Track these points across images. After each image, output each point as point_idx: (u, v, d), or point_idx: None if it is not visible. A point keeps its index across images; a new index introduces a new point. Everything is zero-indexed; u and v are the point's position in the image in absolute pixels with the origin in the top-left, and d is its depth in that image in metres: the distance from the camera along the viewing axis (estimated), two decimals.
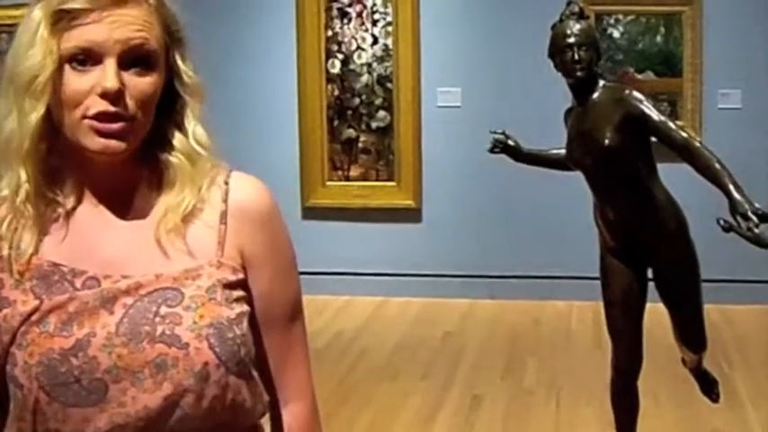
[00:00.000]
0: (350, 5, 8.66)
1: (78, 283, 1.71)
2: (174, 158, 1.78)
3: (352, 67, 8.74)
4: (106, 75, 1.66)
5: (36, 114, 1.68)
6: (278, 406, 1.87)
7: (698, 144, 4.32)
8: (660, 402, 5.92)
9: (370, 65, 8.70)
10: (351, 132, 8.80)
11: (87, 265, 1.73)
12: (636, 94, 4.47)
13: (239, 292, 1.77)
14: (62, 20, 1.67)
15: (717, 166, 4.16)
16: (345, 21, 8.68)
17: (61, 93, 1.68)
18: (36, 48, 1.67)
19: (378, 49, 8.69)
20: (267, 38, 8.73)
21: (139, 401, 1.65)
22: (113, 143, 1.68)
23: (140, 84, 1.70)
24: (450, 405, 6.28)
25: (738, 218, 3.94)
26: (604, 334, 4.95)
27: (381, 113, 8.73)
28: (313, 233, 8.41)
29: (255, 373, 1.78)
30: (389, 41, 8.64)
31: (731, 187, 4.04)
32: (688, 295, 4.76)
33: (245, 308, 1.76)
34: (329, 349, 7.31)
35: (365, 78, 8.72)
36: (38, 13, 1.69)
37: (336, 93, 8.77)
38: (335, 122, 8.81)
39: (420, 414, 6.15)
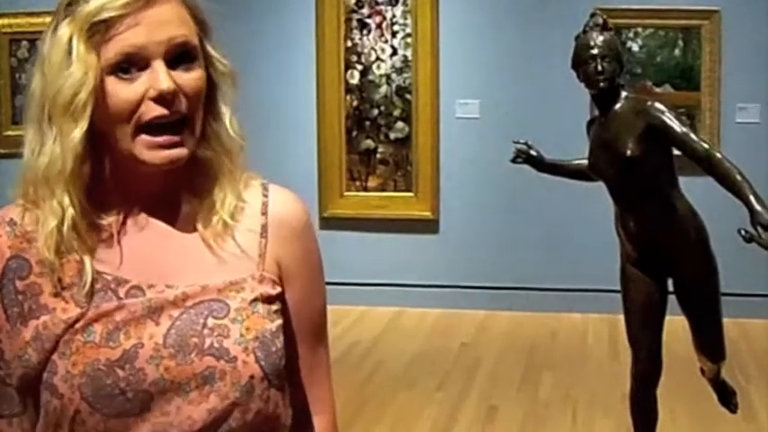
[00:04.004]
0: (369, 16, 8.69)
1: (122, 292, 1.67)
2: (212, 152, 1.74)
3: (371, 77, 8.76)
4: (158, 77, 1.61)
5: (79, 131, 1.63)
6: (299, 419, 1.84)
7: (719, 155, 4.34)
8: (676, 415, 5.91)
9: (389, 76, 8.73)
10: (369, 143, 8.81)
11: (130, 273, 1.69)
12: (658, 105, 4.49)
13: (277, 305, 1.75)
14: (97, 32, 1.61)
15: (738, 177, 4.18)
16: (365, 32, 8.71)
17: (109, 106, 1.62)
18: (74, 65, 1.61)
19: (397, 60, 8.71)
20: (286, 48, 8.75)
21: (183, 412, 1.63)
22: (176, 152, 1.65)
23: (190, 80, 1.65)
24: (466, 416, 6.28)
25: (759, 228, 3.96)
26: (621, 346, 4.96)
27: (400, 124, 8.75)
28: (330, 243, 8.34)
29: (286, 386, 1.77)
30: (408, 53, 8.66)
31: (752, 198, 4.07)
32: (708, 305, 4.77)
33: (281, 320, 1.74)
34: (345, 359, 7.31)
35: (384, 89, 8.74)
36: (66, 30, 1.63)
37: (355, 103, 8.80)
38: (354, 133, 8.83)
39: (436, 425, 6.15)
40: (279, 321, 1.73)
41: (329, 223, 8.76)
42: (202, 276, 1.70)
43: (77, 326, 1.64)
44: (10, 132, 8.87)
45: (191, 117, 1.67)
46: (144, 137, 1.63)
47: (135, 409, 1.62)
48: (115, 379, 1.61)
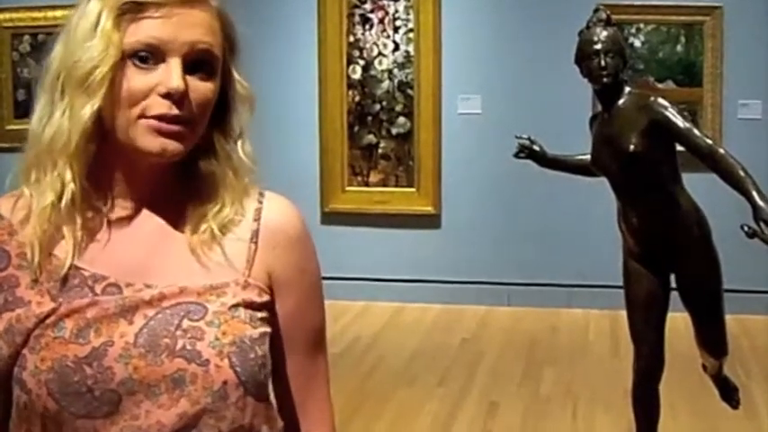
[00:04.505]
0: (372, 12, 8.68)
1: (98, 289, 1.64)
2: (218, 168, 1.73)
3: (373, 73, 8.76)
4: (172, 75, 1.60)
5: (90, 108, 1.60)
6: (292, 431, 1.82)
7: (722, 151, 4.34)
8: (678, 411, 5.90)
9: (391, 71, 8.73)
10: (371, 138, 8.81)
11: (109, 270, 1.66)
12: (661, 100, 4.49)
13: (263, 314, 1.70)
14: (128, 12, 1.60)
15: (741, 172, 4.18)
16: (367, 27, 8.71)
17: (119, 89, 1.60)
18: (97, 39, 1.59)
19: (399, 55, 8.71)
20: (288, 43, 8.75)
21: (153, 416, 1.59)
22: (172, 144, 1.62)
23: (202, 88, 1.64)
24: (466, 412, 6.28)
25: (762, 224, 3.96)
26: (622, 342, 4.95)
27: (402, 120, 8.75)
28: (332, 238, 8.41)
29: (273, 398, 1.74)
30: (411, 48, 8.66)
31: (755, 194, 4.06)
32: (710, 301, 4.77)
33: (268, 329, 1.70)
34: (346, 355, 7.31)
35: (386, 84, 8.74)
36: (96, 4, 1.61)
37: (357, 99, 8.80)
38: (356, 128, 8.83)
39: (437, 421, 6.14)
40: (264, 329, 1.68)
41: (331, 218, 8.77)
42: (183, 279, 1.67)
43: (48, 321, 1.61)
44: (12, 126, 8.88)
45: (195, 122, 1.64)
46: (145, 121, 1.61)
47: (103, 409, 1.58)
48: (83, 376, 1.57)
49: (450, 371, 7.07)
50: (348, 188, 8.88)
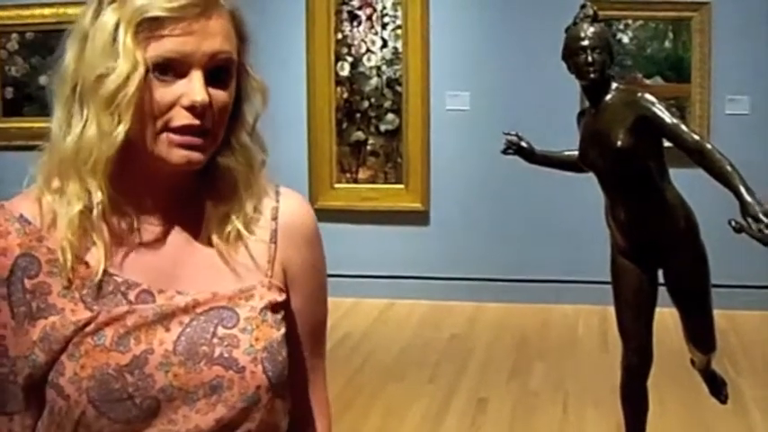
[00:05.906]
0: (360, 8, 8.68)
1: (132, 296, 1.66)
2: (235, 163, 1.74)
3: (361, 69, 8.76)
4: (194, 87, 1.61)
5: (123, 128, 1.60)
6: (297, 424, 1.84)
7: (709, 146, 4.34)
8: (666, 407, 5.91)
9: (379, 68, 8.73)
10: (359, 135, 8.81)
11: (140, 276, 1.68)
12: (648, 96, 4.49)
13: (281, 314, 1.74)
14: (146, 28, 1.59)
15: (728, 168, 4.18)
16: (355, 24, 8.70)
17: (143, 104, 1.60)
18: (121, 58, 1.58)
19: (387, 52, 8.71)
20: (276, 40, 8.73)
21: (191, 421, 1.63)
22: (195, 156, 1.63)
23: (221, 96, 1.65)
24: (456, 408, 6.28)
25: (749, 219, 3.96)
26: (611, 338, 4.95)
27: (390, 116, 8.75)
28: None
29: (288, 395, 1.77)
30: (399, 44, 8.67)
31: (742, 189, 4.06)
32: (698, 296, 4.78)
33: (285, 328, 1.74)
34: (336, 351, 7.30)
35: (374, 81, 8.74)
36: (112, 17, 1.60)
37: (345, 95, 8.79)
38: (344, 125, 8.83)
39: (426, 416, 6.15)
40: (283, 330, 1.73)
41: (319, 215, 8.43)
42: (213, 284, 1.70)
43: (88, 329, 1.62)
44: (0, 125, 8.84)
45: (214, 131, 1.66)
46: (166, 134, 1.62)
47: (141, 416, 1.61)
48: (123, 384, 1.60)
49: (440, 367, 7.07)
50: (336, 185, 8.88)
